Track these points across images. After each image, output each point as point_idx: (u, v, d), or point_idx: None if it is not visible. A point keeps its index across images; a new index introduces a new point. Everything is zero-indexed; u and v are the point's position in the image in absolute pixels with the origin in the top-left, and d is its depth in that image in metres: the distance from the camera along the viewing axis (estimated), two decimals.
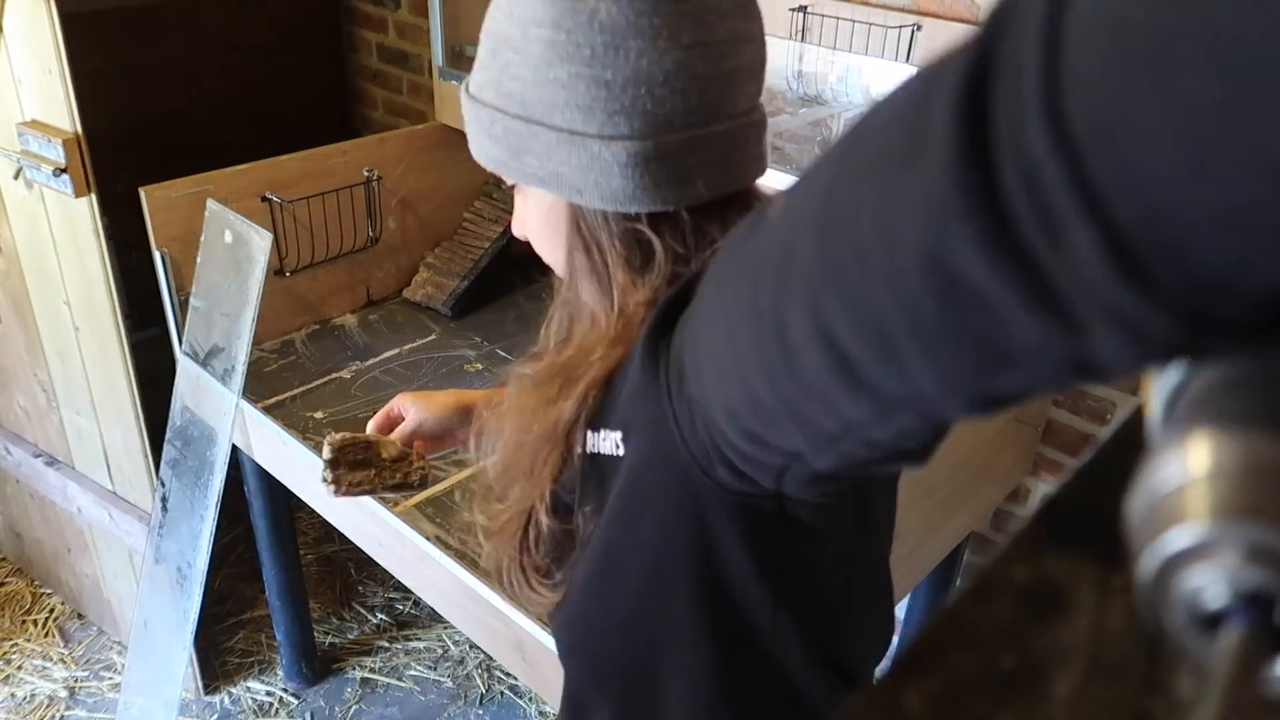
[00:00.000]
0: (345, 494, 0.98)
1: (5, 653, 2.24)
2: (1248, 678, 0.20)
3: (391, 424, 1.04)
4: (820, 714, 0.70)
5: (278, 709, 2.14)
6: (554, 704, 1.34)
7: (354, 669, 2.23)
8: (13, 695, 2.14)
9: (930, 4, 1.60)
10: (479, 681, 2.19)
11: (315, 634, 2.22)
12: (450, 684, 2.19)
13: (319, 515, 1.65)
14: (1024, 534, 0.31)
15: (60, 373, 1.98)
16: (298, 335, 1.96)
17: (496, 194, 2.15)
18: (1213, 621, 0.22)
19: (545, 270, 0.83)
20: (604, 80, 0.62)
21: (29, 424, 2.13)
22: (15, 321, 2.01)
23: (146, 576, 1.92)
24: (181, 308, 1.74)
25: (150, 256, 1.71)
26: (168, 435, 1.83)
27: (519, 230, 0.81)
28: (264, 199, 1.80)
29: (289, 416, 1.70)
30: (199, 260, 1.72)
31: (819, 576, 0.68)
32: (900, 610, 1.93)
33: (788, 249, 0.37)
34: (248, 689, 2.18)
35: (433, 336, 1.99)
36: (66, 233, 1.78)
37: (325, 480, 0.97)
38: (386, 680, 2.19)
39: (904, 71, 1.62)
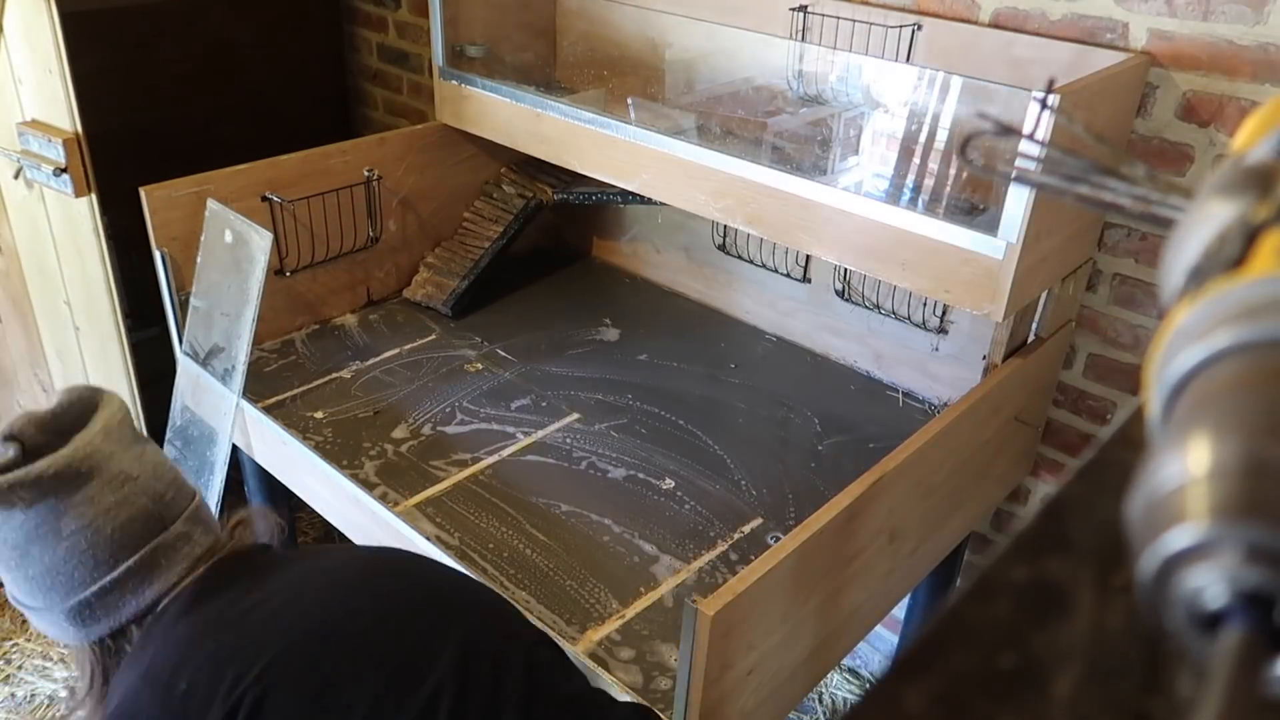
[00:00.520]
0: None
1: (5, 653, 2.24)
2: (1248, 678, 0.20)
3: None
4: None
5: None
6: None
7: None
8: (13, 695, 2.14)
9: (930, 4, 1.60)
10: None
11: None
12: None
13: (319, 515, 1.65)
14: (1024, 534, 0.31)
15: (60, 373, 1.98)
16: (298, 335, 1.96)
17: (496, 194, 2.15)
18: (1213, 621, 0.22)
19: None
20: (29, 576, 0.93)
21: None
22: (15, 321, 2.01)
23: None
24: (181, 308, 1.74)
25: (150, 256, 1.71)
26: (168, 435, 1.83)
27: None
28: (264, 199, 1.80)
29: (289, 416, 1.71)
30: (199, 260, 1.72)
31: None
32: (900, 610, 1.93)
33: None
34: None
35: (433, 336, 1.99)
36: (66, 233, 1.78)
37: None
38: None
39: (904, 71, 1.62)
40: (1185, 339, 0.25)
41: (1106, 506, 0.29)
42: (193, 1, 2.36)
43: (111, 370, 1.85)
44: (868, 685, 2.10)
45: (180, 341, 1.77)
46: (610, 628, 1.31)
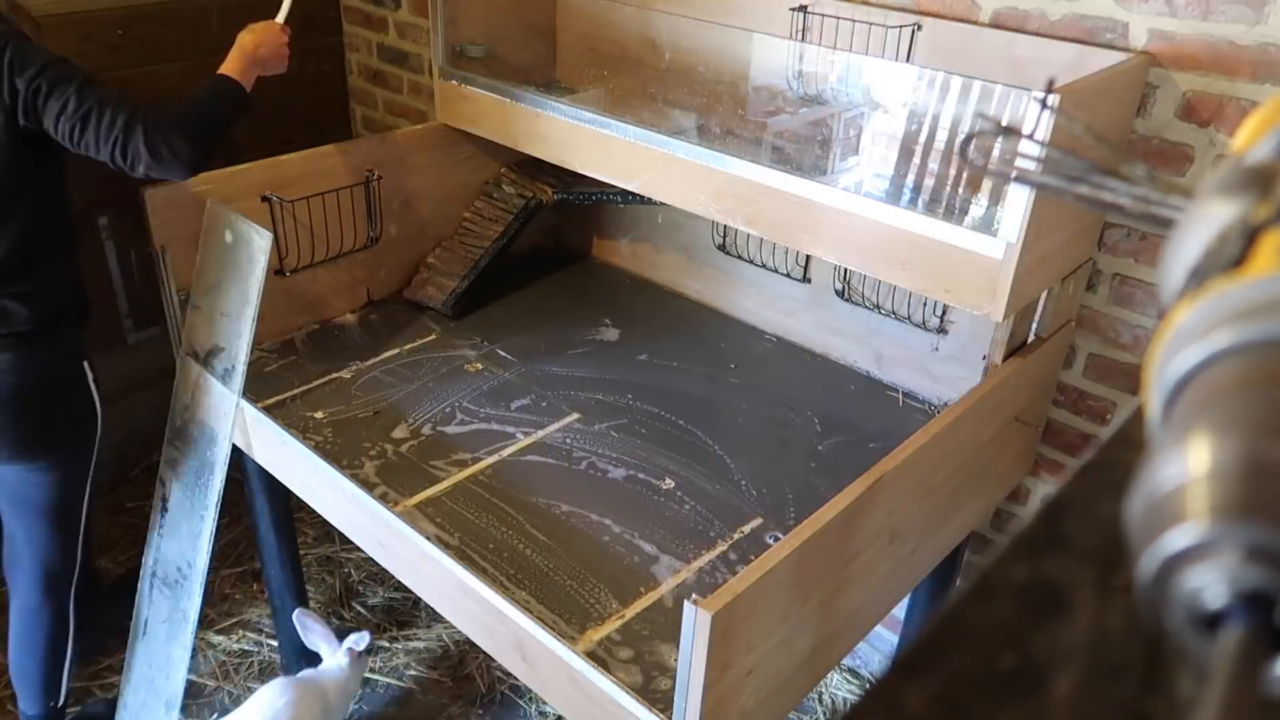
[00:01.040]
0: None
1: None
2: (1248, 678, 0.20)
3: None
4: None
5: None
6: (554, 704, 1.34)
7: None
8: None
9: (930, 4, 1.60)
10: (479, 681, 2.19)
11: None
12: (450, 684, 2.19)
13: (319, 515, 1.65)
14: (1024, 534, 0.31)
15: None
16: (298, 335, 1.96)
17: (496, 194, 2.15)
18: (1213, 621, 0.22)
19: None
20: None
21: None
22: None
23: (146, 576, 1.92)
24: (181, 308, 1.74)
25: (150, 256, 1.71)
26: (168, 435, 1.83)
27: None
28: (264, 199, 1.80)
29: (289, 416, 1.71)
30: (199, 260, 1.72)
31: None
32: (900, 610, 1.93)
33: None
34: (248, 689, 2.18)
35: (433, 336, 1.99)
36: None
37: None
38: (386, 680, 2.19)
39: (904, 71, 1.62)
40: (1185, 339, 0.25)
41: (1106, 506, 0.29)
42: (193, 1, 2.36)
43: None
44: (868, 685, 2.10)
45: (180, 341, 1.77)
46: (610, 628, 1.31)
